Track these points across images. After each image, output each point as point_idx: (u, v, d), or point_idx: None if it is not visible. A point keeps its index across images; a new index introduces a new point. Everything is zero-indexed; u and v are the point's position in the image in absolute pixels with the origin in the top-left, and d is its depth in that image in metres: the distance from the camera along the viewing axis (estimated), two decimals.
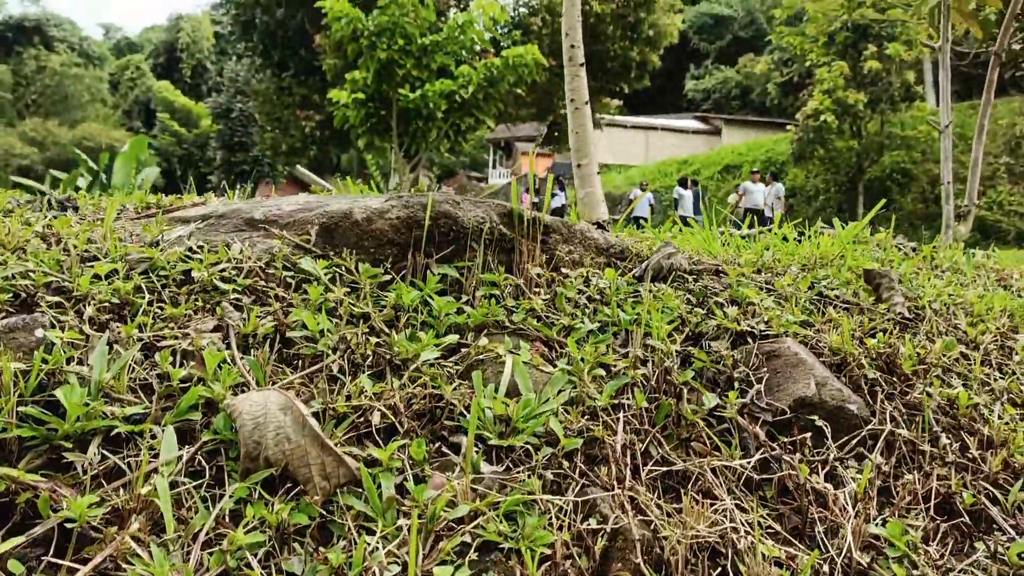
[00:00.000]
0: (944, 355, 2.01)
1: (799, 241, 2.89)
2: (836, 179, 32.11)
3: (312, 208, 2.19)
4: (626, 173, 43.90)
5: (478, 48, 19.80)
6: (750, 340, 1.96)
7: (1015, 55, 10.46)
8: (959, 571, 1.47)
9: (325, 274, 1.92)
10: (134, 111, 64.32)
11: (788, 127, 35.79)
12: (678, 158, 42.46)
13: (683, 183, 24.39)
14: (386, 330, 1.80)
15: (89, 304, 1.61)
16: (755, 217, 22.50)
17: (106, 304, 1.64)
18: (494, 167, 64.42)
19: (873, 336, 2.06)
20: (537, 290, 2.09)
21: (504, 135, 54.25)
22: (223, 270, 1.86)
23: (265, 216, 2.17)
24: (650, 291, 2.13)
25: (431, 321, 1.86)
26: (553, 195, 37.41)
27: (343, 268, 1.97)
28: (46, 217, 2.13)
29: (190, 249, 1.91)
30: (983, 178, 29.12)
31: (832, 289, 2.30)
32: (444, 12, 25.47)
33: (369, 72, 18.61)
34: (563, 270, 2.25)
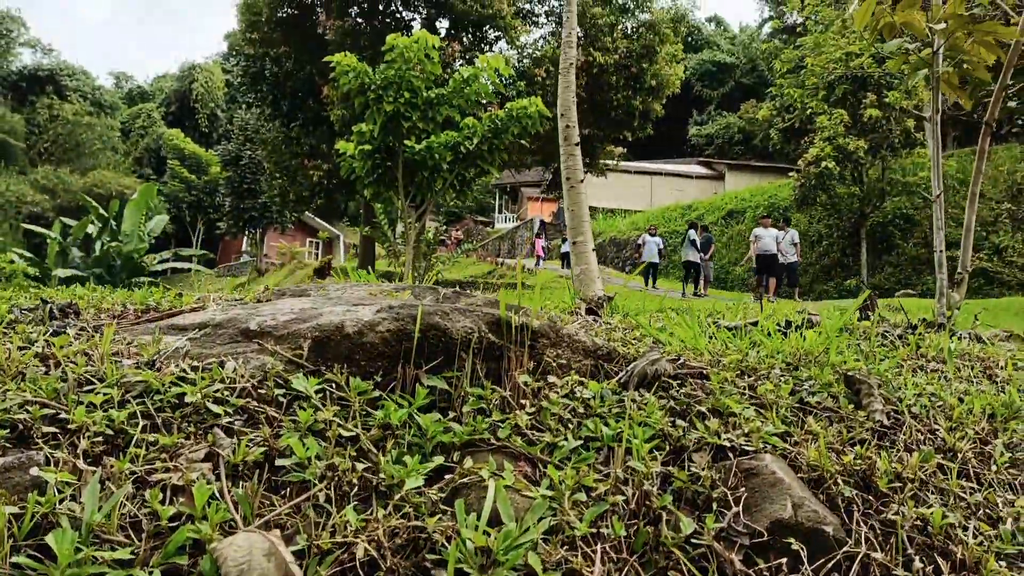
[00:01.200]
0: (921, 467, 2.05)
1: (785, 335, 2.94)
2: (839, 224, 32.26)
3: (306, 319, 2.26)
4: (631, 218, 44.19)
5: (483, 101, 20.10)
6: (731, 455, 2.00)
7: (1011, 111, 10.60)
8: None
9: (316, 392, 1.98)
10: (144, 158, 65.31)
11: (790, 173, 36.07)
12: (682, 203, 42.78)
13: (693, 226, 24.67)
14: (374, 451, 1.85)
15: (84, 436, 1.67)
16: (768, 264, 22.44)
17: (100, 436, 1.69)
18: (500, 211, 64.95)
19: (853, 445, 2.10)
20: (524, 402, 2.15)
21: (510, 180, 54.80)
22: (217, 391, 1.92)
23: (260, 327, 2.24)
24: (634, 401, 2.18)
25: (418, 440, 1.91)
26: (564, 240, 37.64)
27: (334, 384, 2.03)
28: (46, 332, 2.21)
29: (184, 371, 1.97)
30: (985, 223, 29.25)
31: (813, 394, 2.34)
32: (450, 64, 25.95)
33: (375, 124, 18.90)
34: (550, 377, 2.30)
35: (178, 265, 42.40)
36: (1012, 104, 10.31)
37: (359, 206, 33.11)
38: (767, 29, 56.33)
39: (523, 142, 23.19)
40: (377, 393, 2.06)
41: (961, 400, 2.52)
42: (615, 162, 35.61)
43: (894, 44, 5.62)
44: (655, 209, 45.22)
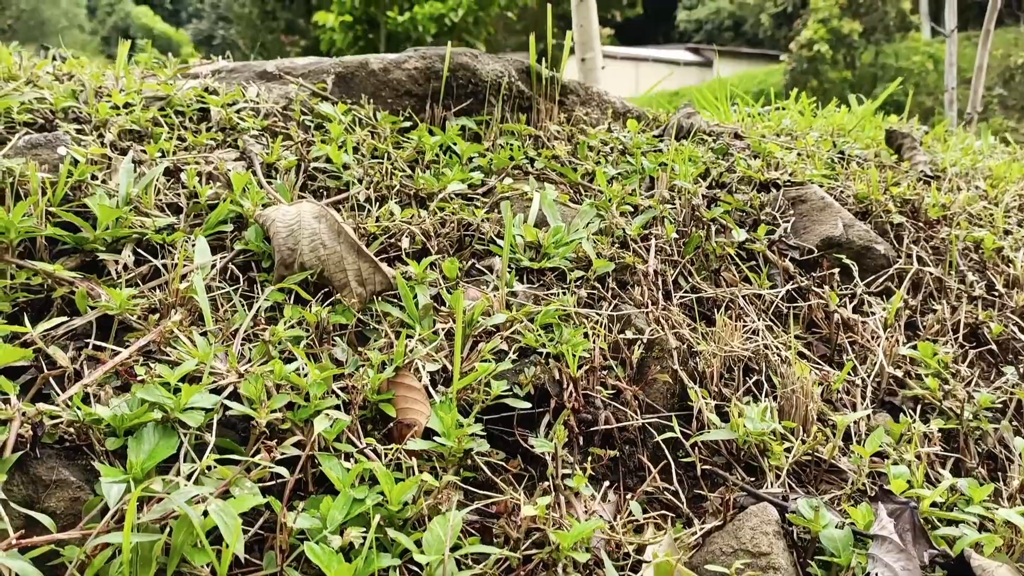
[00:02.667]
0: (968, 206, 2.01)
1: (815, 115, 2.86)
2: None
3: (326, 61, 2.13)
4: None
5: None
6: (774, 188, 1.94)
7: None
8: (988, 391, 1.48)
9: (345, 117, 1.88)
10: (112, 37, 62.63)
11: (781, 58, 35.33)
12: (669, 90, 41.99)
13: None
14: (408, 170, 1.77)
15: (109, 130, 1.57)
16: None
17: (126, 130, 1.59)
18: None
19: (898, 186, 2.05)
20: (558, 142, 2.06)
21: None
22: (240, 110, 1.81)
23: (279, 68, 2.11)
24: (673, 146, 2.10)
25: (453, 163, 1.83)
26: None
27: (362, 114, 1.93)
28: (55, 60, 2.07)
29: (206, 89, 1.86)
30: (976, 111, 28.95)
31: (853, 150, 2.28)
32: None
33: None
34: (582, 127, 2.21)
35: None
36: None
37: None
38: None
39: (509, 14, 22.41)
40: (408, 124, 1.96)
41: (999, 165, 2.47)
42: (603, 42, 34.62)
43: None
44: (642, 96, 44.38)
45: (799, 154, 2.17)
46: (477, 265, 1.52)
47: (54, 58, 2.21)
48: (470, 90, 2.11)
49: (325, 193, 1.64)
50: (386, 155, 1.78)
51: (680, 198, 1.78)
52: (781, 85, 33.38)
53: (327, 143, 1.77)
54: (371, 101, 2.01)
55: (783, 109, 2.88)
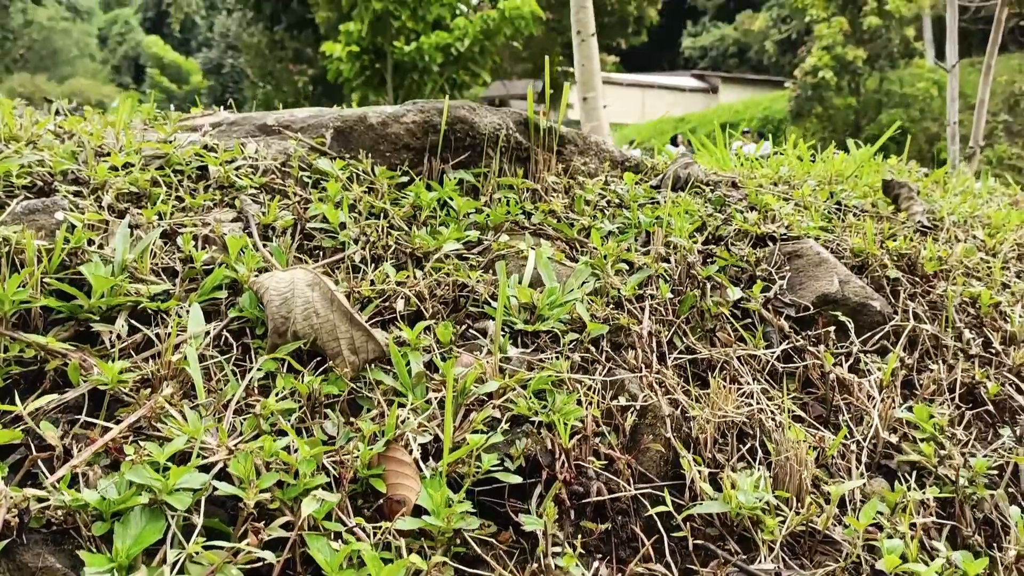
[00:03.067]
0: (965, 259, 2.00)
1: (813, 160, 2.87)
2: (833, 137, 31.84)
3: (326, 115, 2.16)
4: (622, 131, 43.56)
5: (475, 0, 19.51)
6: (771, 243, 1.95)
7: (1022, 4, 10.38)
8: (984, 454, 1.47)
9: (342, 174, 1.90)
10: (123, 66, 63.42)
11: (786, 85, 35.52)
12: (674, 116, 42.18)
13: (674, 141, 24.19)
14: (405, 227, 1.78)
15: (107, 192, 1.58)
16: None
17: (124, 192, 1.61)
18: None
19: (894, 240, 2.05)
20: (555, 195, 2.07)
21: (498, 93, 53.78)
22: (239, 167, 1.83)
23: (278, 122, 2.14)
24: (669, 198, 2.11)
25: (450, 220, 1.84)
26: None
27: (360, 169, 1.95)
28: (52, 119, 2.10)
29: (205, 147, 1.88)
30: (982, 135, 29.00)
31: (850, 200, 2.28)
32: None
33: (363, 24, 18.36)
34: (579, 179, 2.22)
35: None
36: None
37: None
38: None
39: (515, 44, 22.60)
40: (405, 179, 1.97)
41: (997, 212, 2.47)
42: (608, 70, 34.93)
43: None
44: (647, 122, 44.62)
45: (796, 205, 2.18)
46: (472, 327, 1.53)
47: (57, 112, 2.24)
48: (468, 143, 2.13)
49: (321, 253, 1.65)
50: (383, 213, 1.79)
51: (676, 254, 1.79)
52: (786, 111, 33.61)
53: (324, 201, 1.78)
54: (369, 155, 2.03)
55: (782, 154, 2.89)
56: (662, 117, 43.31)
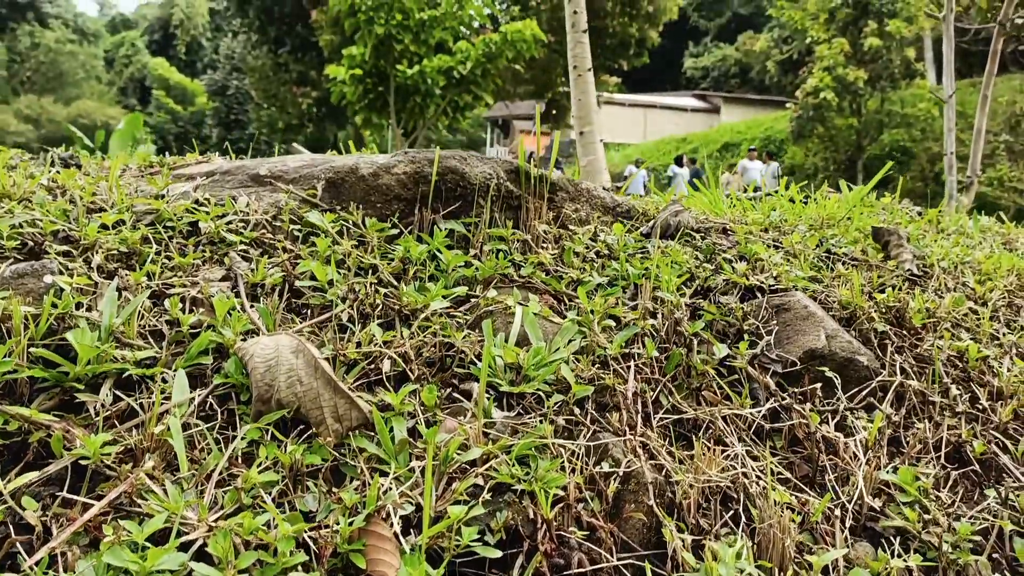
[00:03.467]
0: (953, 310, 2.01)
1: (805, 203, 2.88)
2: (835, 157, 32.01)
3: (318, 164, 2.17)
4: (624, 151, 43.72)
5: (477, 24, 19.65)
6: (759, 294, 1.95)
7: (1018, 29, 10.41)
8: (970, 517, 1.47)
9: (332, 227, 1.91)
10: (129, 88, 63.93)
11: (787, 105, 35.65)
12: (676, 136, 42.33)
13: (679, 161, 24.18)
14: (394, 282, 1.79)
15: (97, 252, 1.60)
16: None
17: (114, 252, 1.62)
18: (491, 145, 64.17)
19: (883, 291, 2.05)
20: (545, 245, 2.08)
21: (502, 113, 54.04)
22: (230, 222, 1.84)
23: (270, 172, 2.15)
24: (658, 247, 2.12)
25: (439, 274, 1.85)
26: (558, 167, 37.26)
27: (350, 222, 1.96)
28: (51, 171, 2.12)
29: (196, 202, 1.90)
30: (983, 155, 29.06)
31: (840, 247, 2.29)
32: None
33: (366, 47, 18.51)
34: (570, 227, 2.23)
35: None
36: (1020, 21, 10.13)
37: (348, 136, 32.69)
38: None
39: (517, 67, 22.73)
40: (395, 231, 1.99)
41: (988, 258, 2.47)
42: (610, 91, 35.10)
43: None
44: (649, 142, 44.79)
45: (786, 253, 2.19)
46: (458, 388, 1.53)
47: (52, 163, 2.26)
48: (459, 192, 2.15)
49: (309, 312, 1.66)
50: (371, 268, 1.80)
51: (663, 309, 1.79)
52: (788, 132, 33.70)
53: (314, 255, 1.79)
54: (360, 206, 2.04)
55: (775, 194, 2.89)
56: (664, 137, 43.46)
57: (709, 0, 61.12)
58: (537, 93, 34.02)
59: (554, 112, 37.79)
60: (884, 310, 1.93)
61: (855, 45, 27.72)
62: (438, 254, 1.91)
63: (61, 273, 1.51)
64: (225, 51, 48.81)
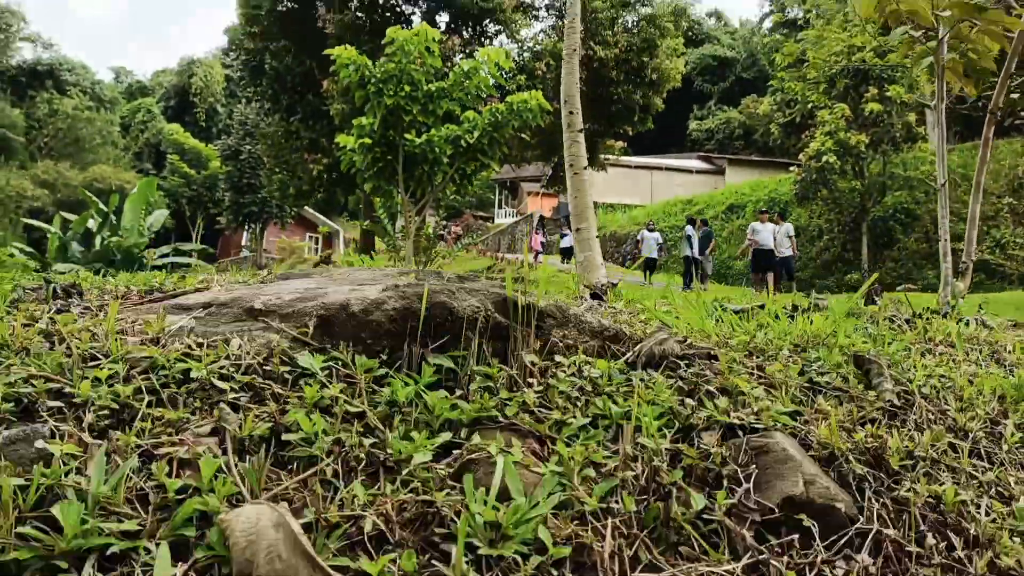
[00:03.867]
0: (932, 446, 2.03)
1: (792, 318, 2.92)
2: (840, 219, 32.22)
3: (311, 298, 2.24)
4: (630, 213, 44.15)
5: (483, 94, 20.01)
6: (740, 432, 1.99)
7: (1013, 103, 10.59)
8: None
9: (322, 370, 1.96)
10: (144, 153, 65.25)
11: (791, 168, 36.01)
12: (682, 198, 42.73)
13: (691, 222, 24.30)
14: (381, 428, 1.84)
15: (89, 410, 1.65)
16: (766, 259, 22.20)
17: (106, 409, 1.68)
18: (500, 207, 64.90)
19: (864, 424, 2.08)
20: (531, 380, 2.13)
21: (510, 175, 54.76)
22: (222, 367, 1.90)
23: (265, 306, 2.22)
24: (642, 380, 2.16)
25: (425, 417, 1.89)
26: (563, 235, 37.53)
27: (340, 362, 2.02)
28: (51, 310, 2.19)
29: (189, 347, 1.96)
30: (986, 218, 29.23)
31: (823, 374, 2.33)
32: (450, 58, 25.87)
33: (376, 118, 18.85)
34: (557, 357, 2.28)
35: (178, 260, 42.38)
36: (1015, 96, 10.31)
37: (359, 200, 33.11)
38: (768, 24, 56.24)
39: (523, 136, 23.16)
40: (383, 371, 2.04)
41: (971, 382, 2.50)
42: (615, 155, 35.56)
43: (898, 32, 5.59)
44: (655, 204, 45.19)
45: (768, 384, 2.23)
46: (439, 547, 1.56)
47: (55, 294, 2.33)
48: (447, 326, 2.20)
49: (295, 466, 1.70)
50: (358, 415, 1.85)
51: (644, 455, 1.83)
52: (792, 194, 33.97)
53: (303, 400, 1.84)
54: (351, 344, 2.10)
55: (761, 308, 2.95)
56: (670, 199, 43.91)
57: (713, 65, 62.35)
58: (544, 156, 34.51)
59: (561, 174, 38.24)
60: (862, 451, 1.96)
61: (856, 110, 28.13)
62: (424, 395, 1.96)
63: (52, 436, 1.56)
64: (239, 117, 49.85)
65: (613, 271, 35.81)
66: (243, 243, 58.39)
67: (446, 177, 20.59)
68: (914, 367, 2.52)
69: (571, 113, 4.31)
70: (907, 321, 3.25)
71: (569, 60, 4.34)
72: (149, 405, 1.73)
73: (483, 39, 29.82)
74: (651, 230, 26.27)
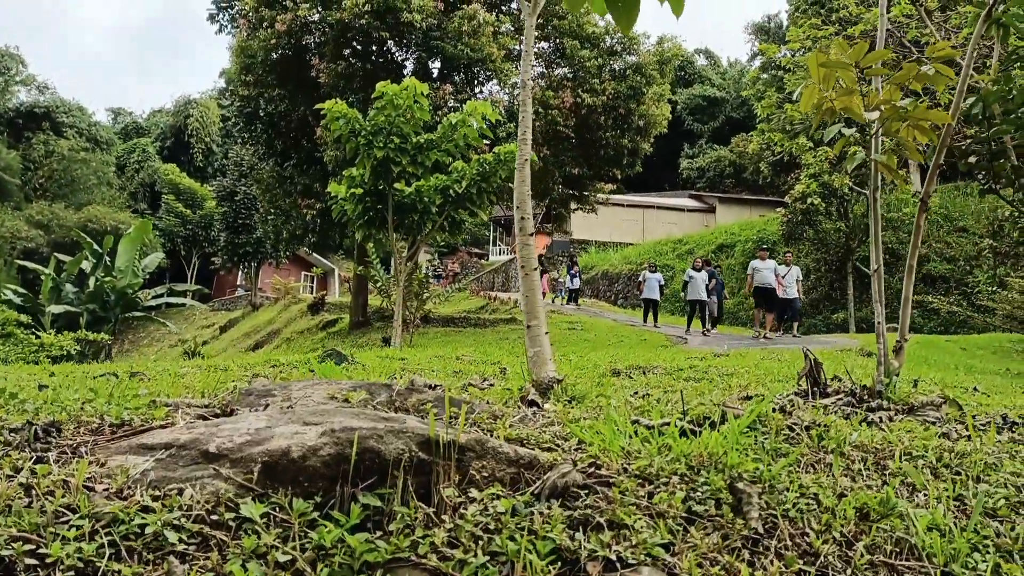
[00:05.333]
0: (782, 573, 2.37)
1: (696, 434, 3.25)
2: (826, 259, 32.76)
3: (258, 441, 2.59)
4: (622, 251, 44.72)
5: (472, 145, 20.54)
6: (619, 566, 2.33)
7: (971, 167, 11.07)
8: None
9: (262, 516, 2.31)
10: (140, 193, 65.97)
11: (777, 208, 36.61)
12: (673, 237, 43.32)
13: (695, 267, 24.40)
14: (311, 571, 2.18)
15: (59, 570, 2.00)
16: (767, 298, 22.12)
17: (72, 570, 2.02)
18: (494, 244, 65.51)
19: (729, 553, 2.42)
20: (444, 517, 2.48)
21: (504, 214, 55.37)
22: (175, 518, 2.25)
23: (218, 449, 2.57)
24: (542, 513, 2.51)
25: (348, 560, 2.24)
26: (572, 276, 37.65)
27: (278, 506, 2.36)
28: (31, 458, 2.53)
29: (147, 501, 2.30)
30: (969, 257, 29.71)
31: (702, 502, 2.67)
32: (442, 106, 26.43)
33: (366, 169, 19.41)
34: (471, 491, 2.63)
35: (172, 300, 42.78)
36: (972, 160, 10.78)
37: (354, 241, 33.68)
38: (756, 63, 57.24)
39: (511, 185, 23.63)
40: (315, 515, 2.39)
41: (841, 497, 2.84)
42: (605, 197, 36.09)
43: (833, 129, 6.04)
44: (647, 242, 45.73)
45: (653, 515, 2.57)
46: None
47: (37, 436, 2.68)
48: (375, 468, 2.56)
49: None
50: (291, 561, 2.20)
51: None
52: (779, 234, 34.47)
53: (242, 551, 2.19)
54: (290, 487, 2.45)
55: (683, 417, 3.30)
56: (661, 238, 44.53)
57: (703, 105, 63.31)
58: (537, 196, 35.07)
59: (554, 212, 38.82)
60: None
61: (840, 153, 28.73)
62: (346, 538, 2.30)
63: None
64: (234, 158, 50.54)
65: (607, 311, 36.12)
66: (238, 282, 58.85)
67: (435, 225, 21.06)
68: (788, 488, 2.86)
69: (523, 218, 4.70)
70: (806, 428, 3.60)
71: (521, 170, 4.75)
72: (110, 559, 2.08)
73: (474, 84, 30.45)
74: (653, 271, 26.35)
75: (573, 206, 35.02)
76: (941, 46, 5.61)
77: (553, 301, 37.04)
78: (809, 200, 30.15)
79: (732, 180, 57.63)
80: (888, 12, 6.29)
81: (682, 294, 26.60)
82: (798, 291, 22.77)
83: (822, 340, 20.67)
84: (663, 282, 26.89)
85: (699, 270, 23.85)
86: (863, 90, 5.98)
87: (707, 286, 23.62)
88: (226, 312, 53.96)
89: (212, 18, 32.47)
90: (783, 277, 22.21)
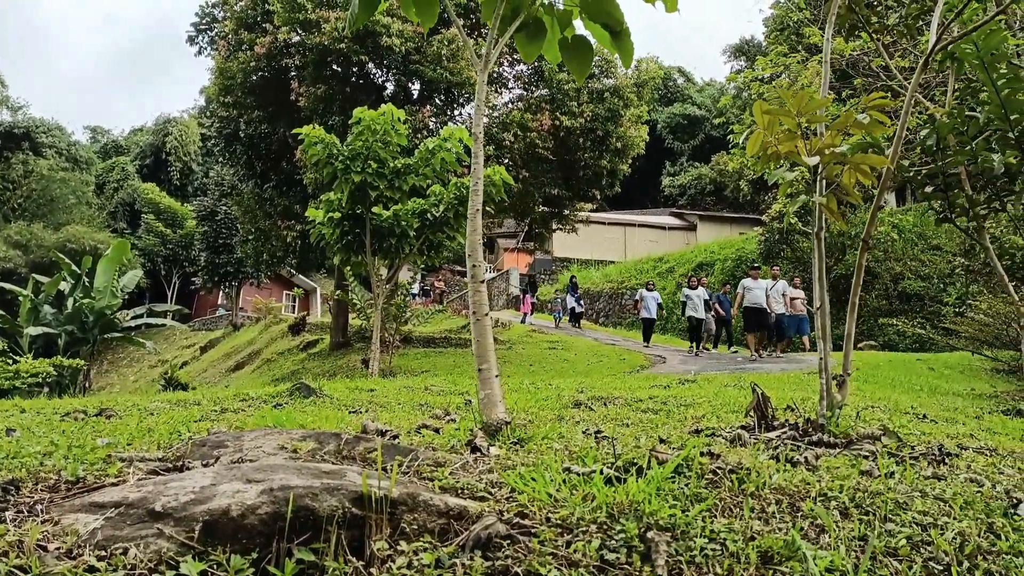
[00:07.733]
0: None
1: (623, 480, 3.45)
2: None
3: (202, 500, 2.79)
4: (604, 269, 45.02)
5: (449, 169, 20.79)
6: None
7: (926, 197, 11.41)
8: None
9: (200, 574, 2.50)
10: (119, 212, 65.75)
11: (755, 228, 37.06)
12: (654, 256, 43.63)
13: (690, 284, 24.38)
14: None
15: None
16: (758, 318, 21.69)
17: None
18: None
19: None
20: (374, 571, 2.68)
21: (486, 232, 55.62)
22: None
23: (164, 508, 2.76)
24: (463, 565, 2.72)
25: None
26: (577, 299, 37.66)
27: (216, 563, 2.56)
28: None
29: (92, 563, 2.49)
30: (943, 275, 30.18)
31: (615, 551, 2.88)
32: (420, 129, 26.69)
33: (344, 193, 19.61)
34: (401, 544, 2.84)
35: (152, 321, 42.60)
36: (928, 190, 11.13)
37: (332, 264, 33.75)
38: (732, 88, 57.99)
39: (488, 208, 23.78)
40: (251, 571, 2.58)
41: (750, 541, 3.05)
42: (585, 216, 36.44)
43: (778, 173, 6.32)
44: (629, 260, 46.06)
45: (568, 564, 2.78)
46: None
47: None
48: (310, 524, 2.76)
49: None
50: None
51: None
52: (757, 252, 34.92)
53: None
54: (229, 544, 2.64)
55: (616, 461, 3.53)
56: (642, 256, 44.87)
57: (683, 123, 63.97)
58: (518, 215, 35.35)
59: (536, 230, 39.10)
60: None
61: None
62: None
63: None
64: (215, 177, 50.54)
65: (589, 330, 36.34)
66: (219, 302, 58.67)
67: (413, 248, 21.27)
68: (699, 534, 3.07)
69: (475, 266, 4.90)
70: (731, 471, 3.81)
71: (473, 219, 4.96)
72: None
73: (454, 106, 30.74)
74: (650, 289, 26.28)
75: (554, 226, 35.31)
76: (875, 96, 5.90)
77: (557, 325, 37.12)
78: (786, 219, 30.60)
79: (713, 198, 58.23)
80: (851, 41, 6.56)
81: (678, 313, 26.61)
82: (786, 306, 22.22)
83: (798, 359, 20.87)
84: (660, 300, 26.64)
85: (694, 288, 23.82)
86: (811, 130, 6.27)
87: (707, 303, 23.63)
88: (207, 332, 53.77)
89: (191, 40, 32.61)
90: (768, 291, 21.65)
